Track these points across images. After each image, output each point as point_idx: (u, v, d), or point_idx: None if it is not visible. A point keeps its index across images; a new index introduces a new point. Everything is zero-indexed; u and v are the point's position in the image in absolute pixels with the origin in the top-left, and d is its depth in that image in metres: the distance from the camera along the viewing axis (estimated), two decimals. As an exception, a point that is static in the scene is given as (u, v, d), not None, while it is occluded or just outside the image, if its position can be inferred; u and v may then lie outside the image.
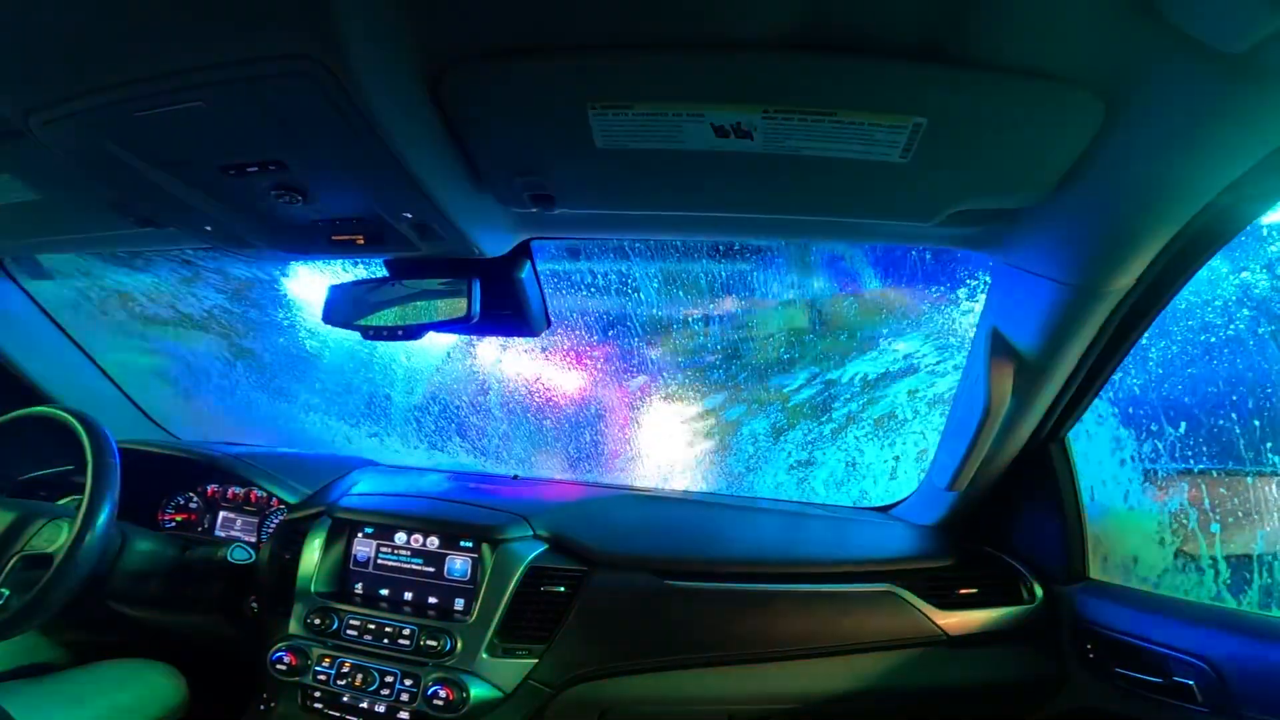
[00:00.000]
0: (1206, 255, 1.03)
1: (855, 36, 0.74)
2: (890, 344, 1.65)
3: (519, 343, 1.84)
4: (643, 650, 1.44)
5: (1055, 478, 1.39)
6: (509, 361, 1.89)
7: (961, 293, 1.54)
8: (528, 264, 1.31)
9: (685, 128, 0.89)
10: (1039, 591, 1.45)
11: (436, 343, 1.88)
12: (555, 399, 1.90)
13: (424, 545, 1.49)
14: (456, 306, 1.18)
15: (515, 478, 1.82)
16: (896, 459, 1.76)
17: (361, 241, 1.12)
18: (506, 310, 1.34)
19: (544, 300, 1.39)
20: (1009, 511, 1.53)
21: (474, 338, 1.83)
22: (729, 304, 1.68)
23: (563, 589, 1.43)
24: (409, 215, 1.03)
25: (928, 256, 1.53)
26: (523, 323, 1.38)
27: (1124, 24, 0.68)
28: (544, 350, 1.85)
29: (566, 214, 1.15)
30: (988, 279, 1.27)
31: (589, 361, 1.83)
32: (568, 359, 1.85)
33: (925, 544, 1.58)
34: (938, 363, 1.62)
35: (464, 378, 1.90)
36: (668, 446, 1.90)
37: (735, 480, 1.90)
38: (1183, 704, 1.14)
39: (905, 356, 1.65)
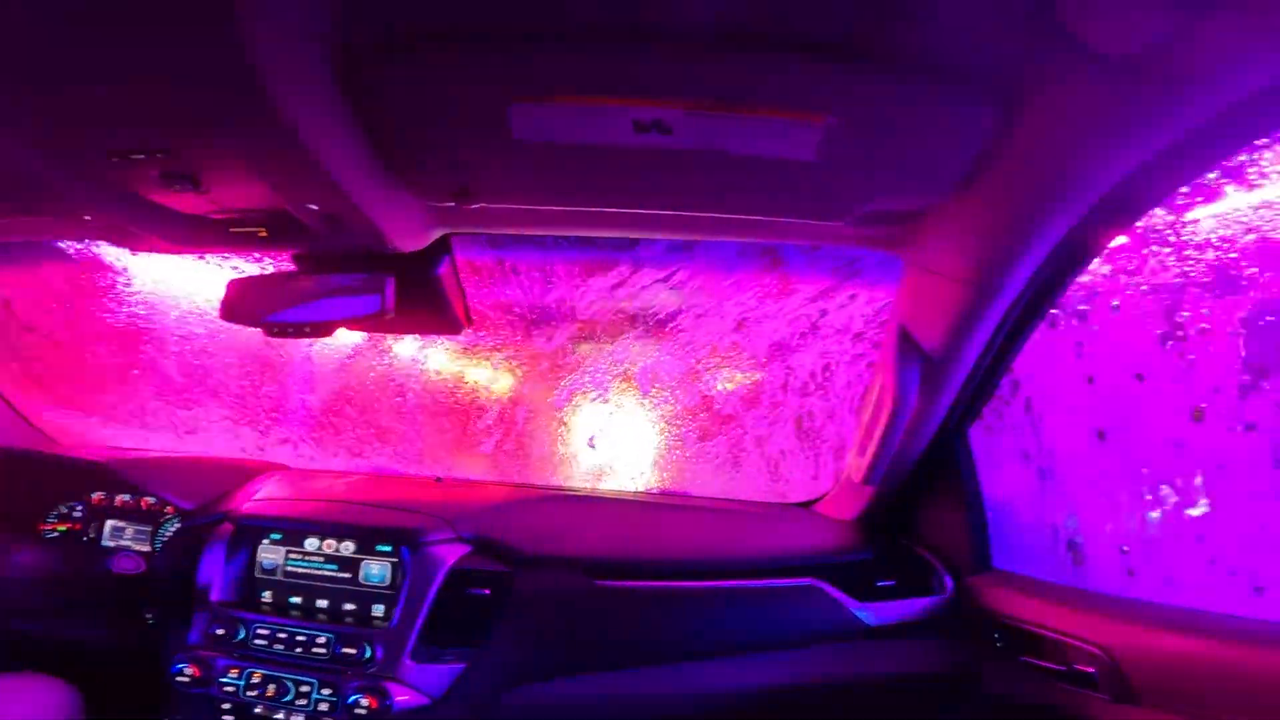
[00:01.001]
0: (1095, 252, 1.10)
1: (775, 34, 0.77)
2: (811, 342, 1.72)
3: (444, 342, 1.81)
4: (574, 651, 1.44)
5: (959, 471, 1.48)
6: (433, 361, 1.86)
7: (870, 291, 1.62)
8: (447, 260, 1.30)
9: (606, 121, 0.91)
10: (949, 582, 1.52)
11: (355, 343, 1.83)
12: (481, 400, 1.88)
13: (338, 551, 1.45)
14: (369, 303, 1.16)
15: (439, 480, 1.80)
16: (818, 455, 1.83)
17: (264, 234, 1.09)
18: (424, 307, 1.32)
19: (464, 298, 1.38)
20: (921, 504, 1.61)
21: (396, 338, 1.80)
22: (658, 304, 1.71)
23: (488, 591, 1.42)
24: (315, 206, 1.01)
25: (846, 256, 1.59)
26: (442, 320, 1.37)
27: (1021, 27, 0.72)
28: (470, 350, 1.83)
29: (486, 209, 1.15)
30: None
31: (516, 361, 1.83)
32: (494, 359, 1.83)
33: (845, 538, 1.65)
34: (854, 360, 1.70)
35: (386, 379, 1.86)
36: (596, 447, 1.91)
37: (663, 479, 1.93)
38: (1084, 691, 1.19)
39: (823, 355, 1.73)
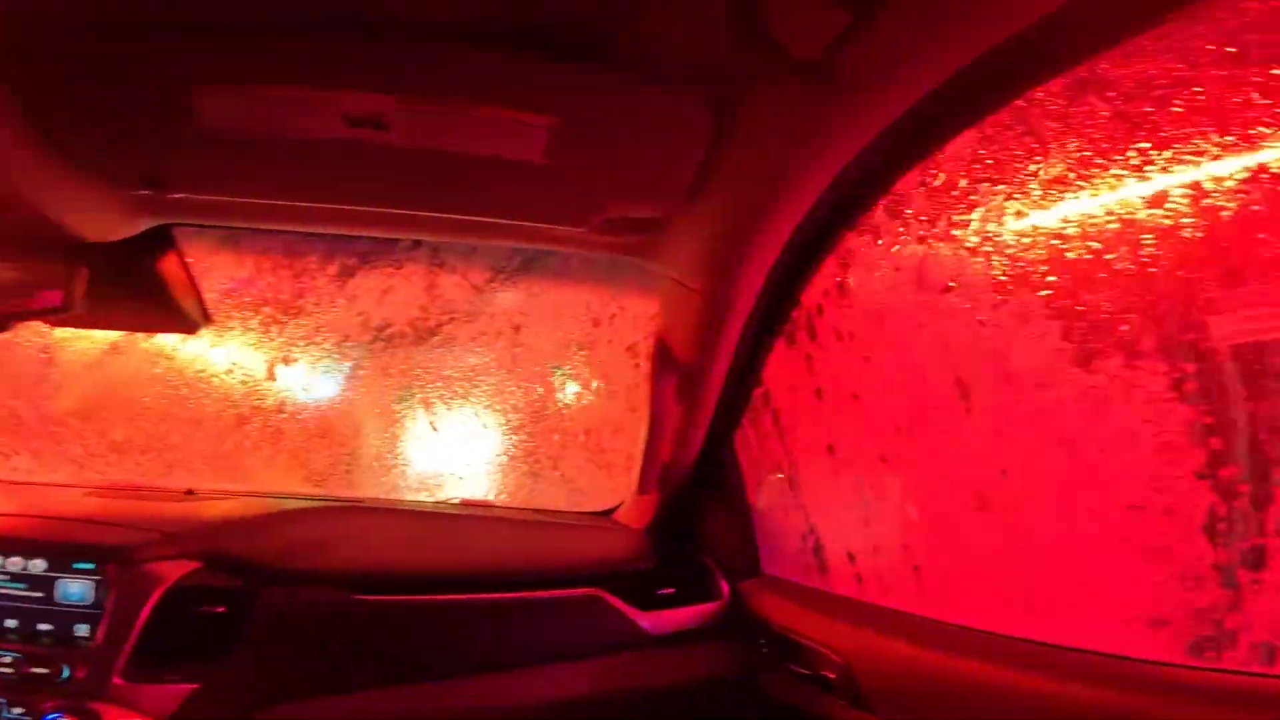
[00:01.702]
0: (820, 255, 1.16)
1: (493, 29, 0.77)
2: (597, 352, 1.75)
3: (195, 342, 1.70)
4: (333, 669, 1.39)
5: (727, 478, 1.55)
6: (186, 364, 1.74)
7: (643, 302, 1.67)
8: (170, 252, 1.24)
9: (310, 113, 0.89)
10: (726, 588, 1.58)
11: (91, 341, 1.68)
12: (244, 406, 1.78)
13: (26, 569, 1.35)
14: (50, 297, 1.08)
15: (189, 493, 1.70)
16: (609, 464, 1.87)
17: (-90, 214, 0.99)
18: (143, 303, 1.26)
19: (199, 294, 1.32)
20: (701, 511, 1.68)
21: (142, 337, 1.67)
22: (432, 308, 1.69)
23: (224, 609, 1.36)
24: (-49, 187, 0.93)
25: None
26: (170, 318, 1.31)
27: (725, 29, 0.75)
28: (225, 350, 1.73)
29: (195, 199, 1.10)
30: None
31: (282, 364, 1.75)
32: (254, 361, 1.75)
33: (634, 546, 1.68)
34: (635, 369, 1.75)
35: (126, 382, 1.72)
36: (373, 452, 1.86)
37: (447, 487, 1.90)
38: (828, 696, 1.24)
39: (608, 362, 1.76)
